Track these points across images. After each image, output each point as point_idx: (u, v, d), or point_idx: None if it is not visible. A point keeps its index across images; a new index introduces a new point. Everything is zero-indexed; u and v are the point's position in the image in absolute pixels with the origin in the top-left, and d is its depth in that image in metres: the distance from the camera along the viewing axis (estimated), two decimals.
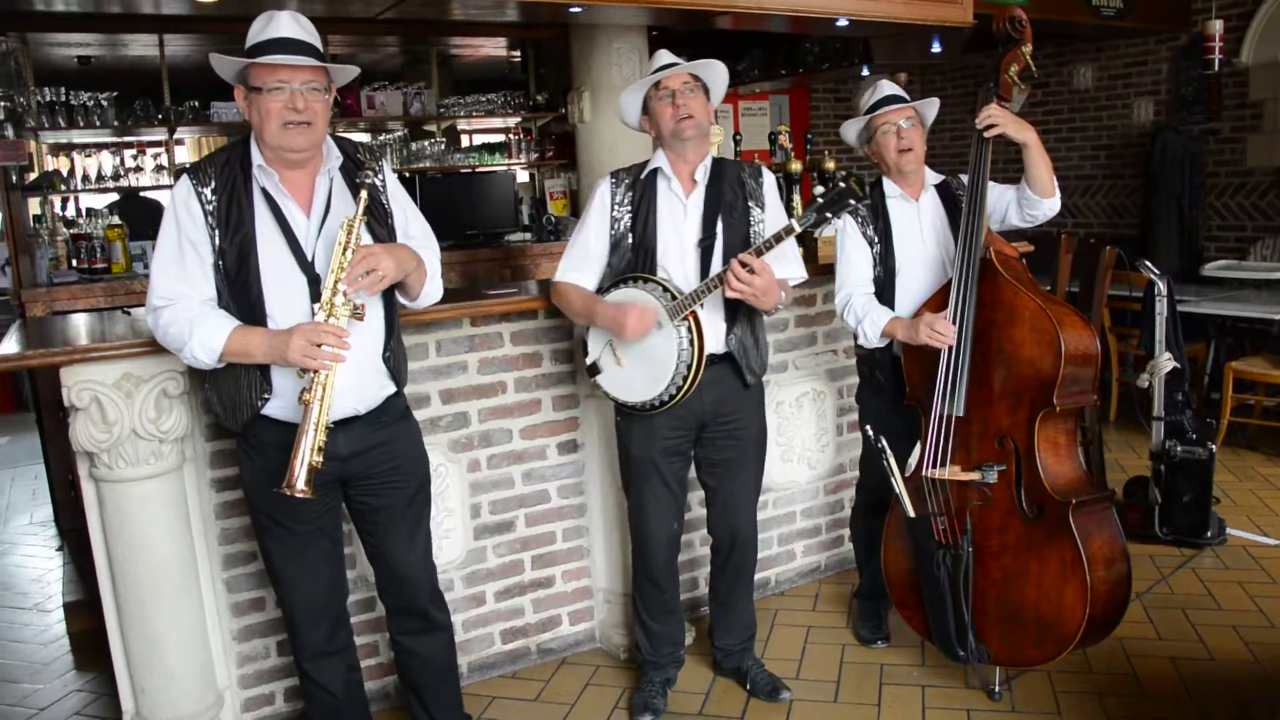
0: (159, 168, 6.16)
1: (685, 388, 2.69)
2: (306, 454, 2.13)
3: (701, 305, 2.67)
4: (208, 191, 2.21)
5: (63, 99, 5.66)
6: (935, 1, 4.58)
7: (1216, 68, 5.96)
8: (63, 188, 5.75)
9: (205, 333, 2.18)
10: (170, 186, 6.13)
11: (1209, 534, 4.02)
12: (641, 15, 4.52)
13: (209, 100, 6.10)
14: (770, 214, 2.84)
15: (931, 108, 3.07)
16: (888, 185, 3.07)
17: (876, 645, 3.36)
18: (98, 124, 5.74)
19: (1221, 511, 4.24)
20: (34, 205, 5.77)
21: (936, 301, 2.93)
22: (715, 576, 3.09)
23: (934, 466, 2.87)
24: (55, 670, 3.56)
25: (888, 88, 3.05)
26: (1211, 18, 6.03)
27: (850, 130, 3.14)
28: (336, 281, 2.15)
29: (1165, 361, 4.08)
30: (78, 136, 6.20)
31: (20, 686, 3.45)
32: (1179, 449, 4.03)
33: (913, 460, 2.95)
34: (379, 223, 2.34)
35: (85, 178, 5.94)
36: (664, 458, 2.85)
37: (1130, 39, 6.86)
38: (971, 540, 2.83)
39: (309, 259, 2.24)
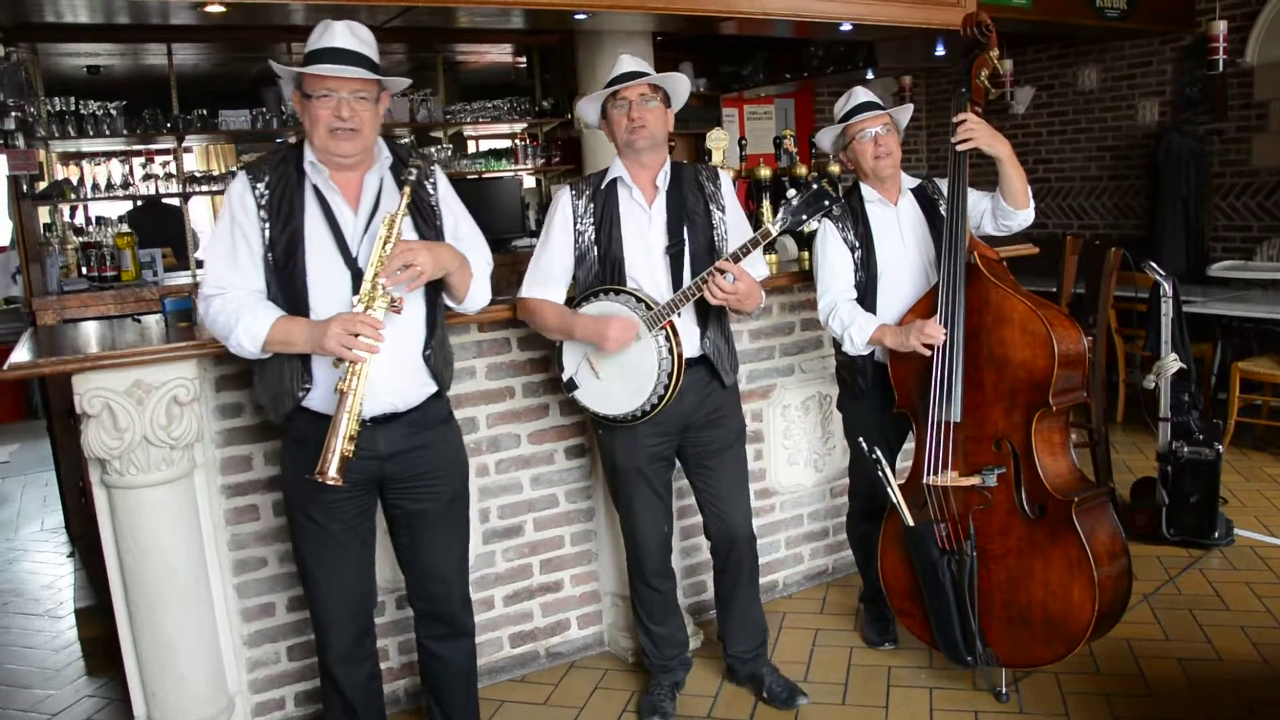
0: (168, 175, 6.20)
1: (667, 396, 2.70)
2: (339, 442, 2.17)
3: (679, 314, 2.69)
4: (261, 186, 2.29)
5: (72, 108, 5.71)
6: (938, 6, 4.60)
7: (1221, 68, 5.95)
8: (73, 196, 5.79)
9: (250, 321, 2.24)
10: (180, 195, 6.22)
11: (1216, 535, 4.02)
12: (646, 21, 4.54)
13: (217, 108, 6.14)
14: (731, 216, 2.86)
15: (905, 114, 3.10)
16: (866, 190, 3.08)
17: (884, 647, 3.37)
18: (107, 133, 5.78)
19: (1229, 512, 4.24)
20: (44, 214, 5.82)
21: (923, 308, 2.94)
22: (717, 581, 3.10)
23: (933, 473, 2.87)
24: (67, 676, 3.58)
25: (862, 94, 3.07)
26: (1215, 18, 6.02)
27: (825, 138, 3.16)
28: (376, 275, 2.21)
29: (1171, 362, 4.08)
30: (87, 145, 6.24)
31: (33, 692, 3.48)
32: (1186, 450, 4.03)
33: (902, 467, 2.95)
34: (427, 224, 2.39)
35: (95, 186, 5.98)
36: (649, 465, 2.87)
37: (1134, 40, 6.86)
38: (975, 544, 2.84)
39: (353, 255, 2.30)
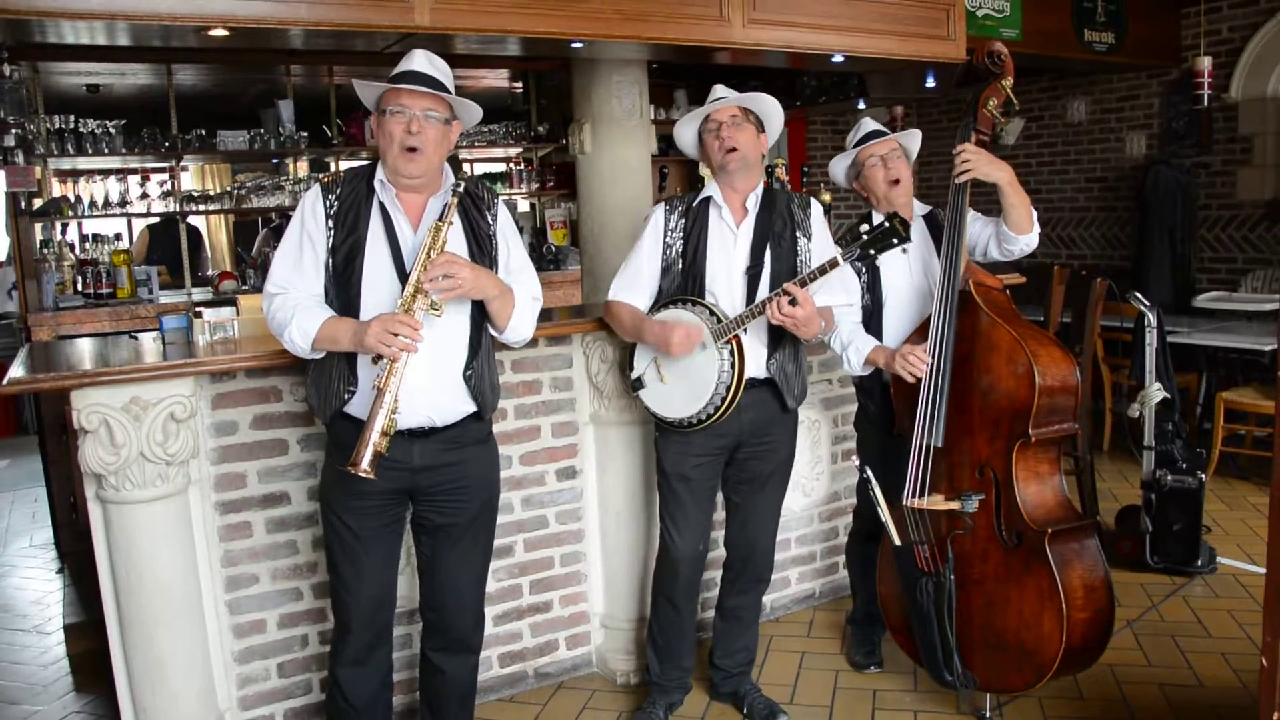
0: (164, 194, 6.24)
1: (723, 408, 2.76)
2: (373, 436, 2.26)
3: (745, 330, 2.75)
4: (333, 197, 2.44)
5: (71, 126, 5.76)
6: (928, 38, 4.68)
7: (1206, 103, 6.06)
8: (70, 213, 5.83)
9: (304, 318, 2.38)
10: (177, 213, 6.25)
11: (1199, 562, 4.06)
12: (641, 50, 4.61)
13: (215, 129, 6.19)
14: (817, 243, 2.92)
15: (914, 139, 3.16)
16: (876, 218, 3.14)
17: (869, 671, 3.39)
18: (106, 151, 5.83)
19: (1212, 540, 4.28)
20: (40, 230, 5.85)
21: (921, 333, 2.99)
22: (724, 594, 3.13)
23: (916, 496, 2.91)
24: (55, 692, 3.58)
25: (870, 124, 3.15)
26: (1201, 54, 6.14)
27: (838, 167, 3.22)
28: (418, 278, 2.31)
29: (1155, 391, 4.14)
30: (85, 163, 6.29)
31: (20, 708, 3.48)
32: (1169, 478, 4.08)
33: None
34: (482, 250, 2.50)
35: (92, 204, 6.02)
36: (696, 474, 2.92)
37: (1122, 74, 6.98)
38: (953, 568, 2.87)
39: (407, 269, 2.40)
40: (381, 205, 2.44)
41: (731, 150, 2.81)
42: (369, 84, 2.42)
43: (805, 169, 4.14)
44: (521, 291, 2.55)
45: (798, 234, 2.90)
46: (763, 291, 2.81)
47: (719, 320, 2.75)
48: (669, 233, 2.91)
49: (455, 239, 2.43)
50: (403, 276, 2.39)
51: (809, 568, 3.95)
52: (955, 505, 2.86)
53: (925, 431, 2.88)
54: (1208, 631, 3.59)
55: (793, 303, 2.65)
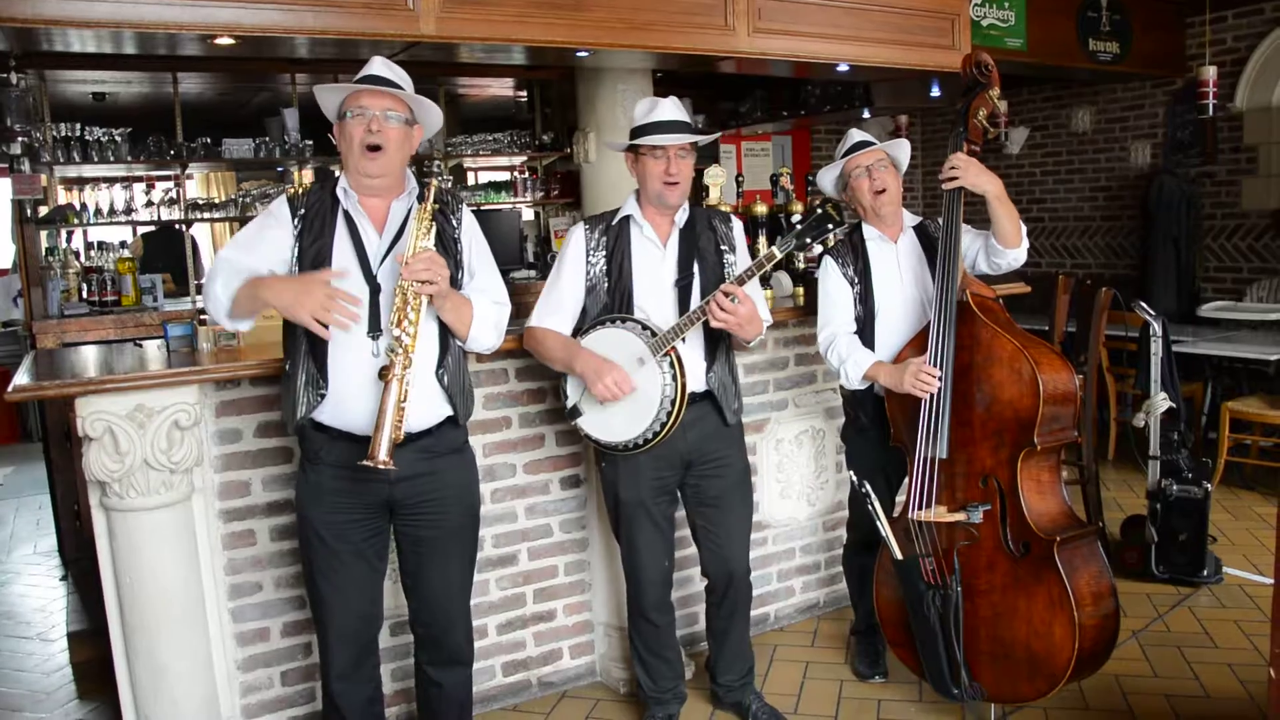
0: (169, 202, 6.25)
1: (669, 424, 2.72)
2: (388, 422, 2.25)
3: (683, 340, 2.73)
4: (300, 206, 2.45)
5: (77, 134, 5.76)
6: (933, 48, 4.68)
7: (1211, 112, 6.06)
8: (75, 221, 5.84)
9: (230, 276, 2.33)
10: (183, 221, 6.26)
11: (1205, 573, 4.05)
12: (647, 59, 4.62)
13: (220, 137, 6.20)
14: (740, 257, 2.92)
15: (902, 149, 3.16)
16: (866, 229, 3.14)
17: (874, 681, 3.38)
18: (111, 159, 5.83)
19: (1218, 550, 4.27)
20: (46, 238, 5.86)
21: (916, 345, 2.98)
22: (711, 616, 3.12)
23: (919, 508, 2.90)
24: (58, 699, 3.58)
25: (857, 135, 3.14)
26: (1206, 64, 6.14)
27: (826, 178, 3.22)
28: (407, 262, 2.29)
29: (1160, 401, 4.13)
30: (90, 171, 6.30)
31: (23, 716, 3.47)
32: (1175, 488, 4.06)
33: (900, 500, 2.98)
34: (448, 253, 2.48)
35: (97, 211, 6.03)
36: (653, 498, 2.89)
37: (1127, 83, 6.98)
38: (960, 580, 2.86)
39: (374, 272, 2.41)
40: (346, 213, 2.44)
41: (675, 185, 2.79)
42: (330, 87, 2.44)
43: (810, 178, 4.12)
44: (483, 299, 2.52)
45: (722, 247, 2.90)
46: (694, 302, 2.79)
47: (654, 334, 2.71)
48: (590, 252, 2.87)
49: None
50: (369, 279, 2.39)
51: (812, 577, 3.94)
52: (960, 516, 2.85)
53: (929, 443, 2.87)
54: (1214, 642, 3.57)
55: (733, 301, 2.64)
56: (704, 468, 2.90)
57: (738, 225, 2.99)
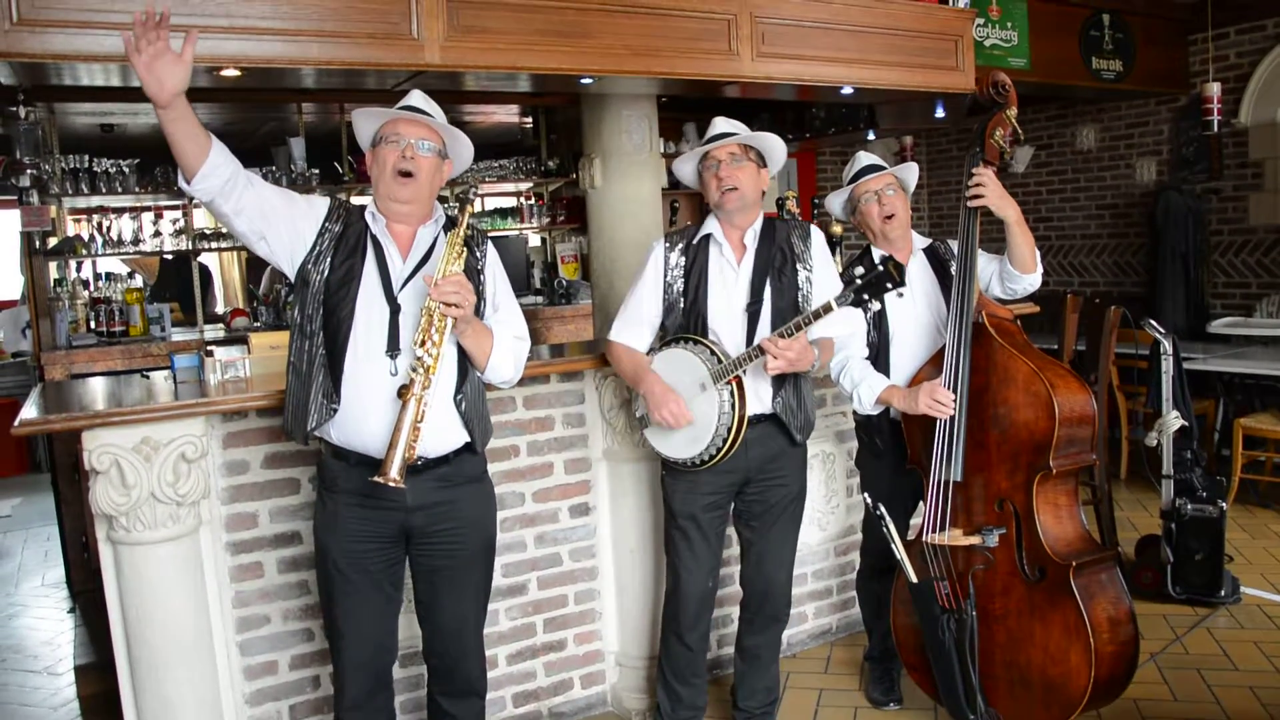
0: (177, 232, 6.28)
1: (725, 449, 2.73)
2: (403, 438, 2.25)
3: (744, 371, 2.73)
4: (336, 224, 2.46)
5: (86, 165, 5.80)
6: (937, 69, 4.69)
7: (1216, 128, 6.06)
8: (83, 252, 5.86)
9: (255, 182, 2.40)
10: (191, 251, 6.29)
11: (1222, 593, 4.00)
12: (652, 85, 4.63)
13: None
14: (818, 275, 2.88)
15: (910, 172, 3.14)
16: (876, 253, 3.12)
17: (889, 708, 3.34)
18: (119, 190, 5.87)
19: (1235, 570, 4.22)
20: (54, 269, 5.88)
21: (931, 367, 2.96)
22: (743, 632, 3.09)
23: (934, 531, 2.88)
24: None
25: (865, 158, 3.13)
26: (1209, 80, 6.14)
27: (834, 202, 3.21)
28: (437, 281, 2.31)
29: (1173, 419, 4.10)
30: (98, 201, 6.33)
31: None
32: (1189, 507, 4.02)
33: (915, 524, 2.95)
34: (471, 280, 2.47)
35: (106, 242, 6.06)
36: (705, 513, 2.89)
37: (1131, 101, 6.98)
38: (975, 604, 2.83)
39: (395, 294, 2.42)
40: (374, 237, 2.47)
41: (730, 190, 2.79)
42: (368, 111, 2.50)
43: (815, 201, 4.12)
44: (504, 331, 2.52)
45: (798, 267, 2.87)
46: (763, 328, 2.78)
47: (720, 360, 2.72)
48: (669, 271, 2.89)
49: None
50: (390, 300, 2.40)
51: (825, 602, 3.90)
52: (975, 540, 2.82)
53: (943, 466, 2.85)
54: (1234, 664, 3.53)
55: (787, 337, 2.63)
56: (762, 483, 2.90)
57: (817, 237, 2.94)
